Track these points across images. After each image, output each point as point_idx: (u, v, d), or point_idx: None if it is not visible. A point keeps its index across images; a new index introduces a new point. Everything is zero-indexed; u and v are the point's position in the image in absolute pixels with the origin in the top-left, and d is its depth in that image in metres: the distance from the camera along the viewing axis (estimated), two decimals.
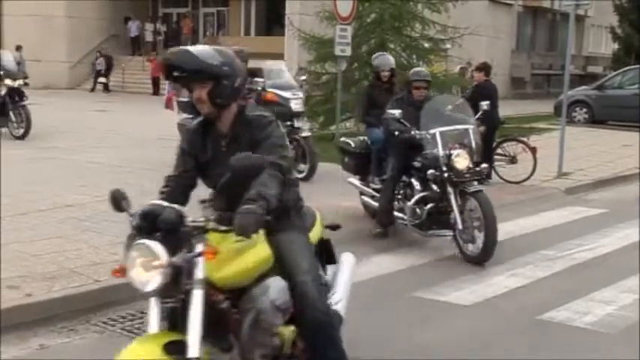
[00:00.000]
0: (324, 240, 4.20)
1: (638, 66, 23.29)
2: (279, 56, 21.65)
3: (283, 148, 3.56)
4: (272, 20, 31.08)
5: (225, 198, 3.50)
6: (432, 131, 7.34)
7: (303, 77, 13.64)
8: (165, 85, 12.97)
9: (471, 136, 7.49)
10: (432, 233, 7.48)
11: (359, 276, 6.52)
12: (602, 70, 37.55)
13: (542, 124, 19.10)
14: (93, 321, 5.33)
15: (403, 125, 7.54)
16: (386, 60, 9.15)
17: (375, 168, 8.43)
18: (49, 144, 13.66)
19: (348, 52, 13.79)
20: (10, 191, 8.68)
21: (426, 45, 16.65)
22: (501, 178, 11.12)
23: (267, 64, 12.52)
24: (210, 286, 3.14)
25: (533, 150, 11.18)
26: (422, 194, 7.40)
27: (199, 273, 3.05)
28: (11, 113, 14.10)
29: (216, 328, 3.20)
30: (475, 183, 7.21)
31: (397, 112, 7.48)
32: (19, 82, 14.29)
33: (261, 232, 3.29)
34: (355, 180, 8.77)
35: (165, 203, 3.22)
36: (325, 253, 4.24)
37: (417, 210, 7.36)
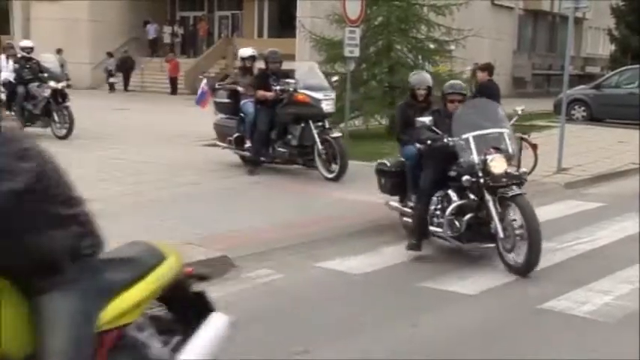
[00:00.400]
0: (192, 294, 3.24)
1: (634, 66, 23.26)
2: (291, 57, 21.60)
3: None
4: (284, 23, 31.03)
5: None
6: (464, 136, 6.64)
7: (335, 78, 13.39)
8: (202, 84, 12.95)
9: (507, 140, 6.81)
10: (473, 245, 6.81)
11: (368, 267, 6.57)
12: (600, 70, 37.40)
13: (543, 122, 19.01)
14: None
15: (435, 133, 6.91)
16: (422, 78, 8.34)
17: (410, 185, 7.61)
18: (83, 141, 13.73)
19: (357, 53, 13.76)
20: None
21: (432, 46, 16.61)
22: None
23: (300, 66, 12.28)
24: None
25: (534, 146, 11.13)
26: (458, 203, 6.68)
27: None
28: (55, 114, 14.13)
29: None
30: (514, 187, 6.47)
31: (427, 119, 6.90)
32: (63, 84, 14.37)
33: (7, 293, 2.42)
34: (394, 202, 7.92)
35: None
36: (195, 309, 3.21)
37: (455, 222, 6.63)
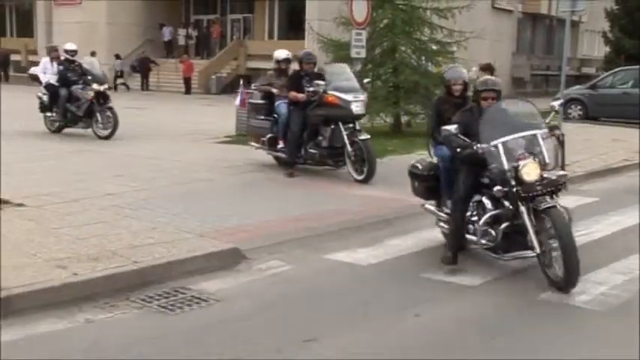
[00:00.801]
0: None
1: (627, 67, 23.24)
2: None
3: None
4: (293, 25, 30.97)
5: None
6: (493, 143, 5.89)
7: (368, 80, 13.03)
8: (244, 87, 13.02)
9: (541, 142, 5.95)
10: (512, 256, 6.11)
11: (374, 259, 6.56)
12: (595, 71, 37.19)
13: None
14: (132, 298, 5.34)
15: (463, 140, 6.18)
16: (458, 73, 7.30)
17: (445, 188, 6.86)
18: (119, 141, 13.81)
19: (363, 54, 13.77)
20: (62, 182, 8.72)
21: (434, 47, 16.60)
22: None
23: (330, 67, 11.90)
24: None
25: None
26: (492, 213, 6.01)
27: None
28: (98, 115, 14.09)
29: None
30: (547, 198, 5.73)
31: (453, 128, 6.16)
32: (105, 86, 14.35)
33: None
34: (431, 206, 7.19)
35: None
36: None
37: (491, 231, 6.00)
